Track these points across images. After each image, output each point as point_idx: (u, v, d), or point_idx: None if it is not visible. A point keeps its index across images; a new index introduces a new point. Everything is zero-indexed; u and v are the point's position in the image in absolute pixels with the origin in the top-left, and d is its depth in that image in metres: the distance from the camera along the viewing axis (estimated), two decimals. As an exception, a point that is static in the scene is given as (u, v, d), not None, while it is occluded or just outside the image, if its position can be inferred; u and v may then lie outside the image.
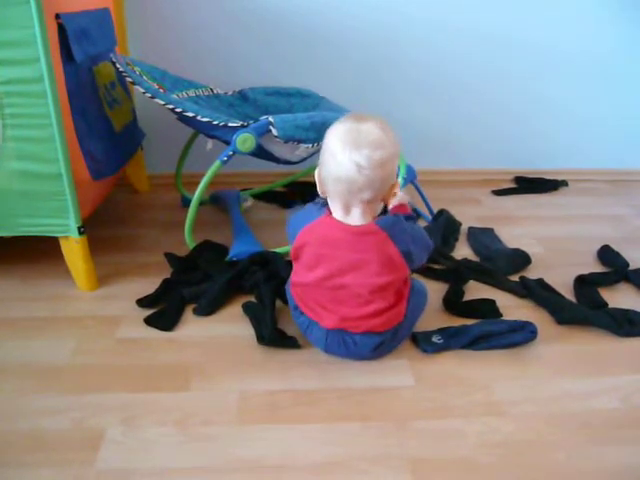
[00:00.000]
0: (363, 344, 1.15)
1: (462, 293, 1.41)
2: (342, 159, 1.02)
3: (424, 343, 1.22)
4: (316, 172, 1.10)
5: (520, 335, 1.23)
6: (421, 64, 2.03)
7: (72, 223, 1.31)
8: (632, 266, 1.55)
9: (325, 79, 1.96)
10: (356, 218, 1.09)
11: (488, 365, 1.18)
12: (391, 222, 1.10)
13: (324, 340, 1.17)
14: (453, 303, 1.36)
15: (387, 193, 1.09)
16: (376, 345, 1.15)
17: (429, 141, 2.11)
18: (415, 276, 1.38)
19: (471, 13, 1.97)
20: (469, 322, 1.28)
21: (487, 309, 1.35)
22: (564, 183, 2.19)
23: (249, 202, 1.87)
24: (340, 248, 1.09)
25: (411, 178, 1.66)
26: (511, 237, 1.70)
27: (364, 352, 1.16)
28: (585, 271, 1.50)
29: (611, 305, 1.37)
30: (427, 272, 1.49)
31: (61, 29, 1.29)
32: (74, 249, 1.34)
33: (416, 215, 1.76)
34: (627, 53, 2.09)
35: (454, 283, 1.43)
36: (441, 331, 1.25)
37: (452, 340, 1.22)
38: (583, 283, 1.45)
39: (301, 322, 1.21)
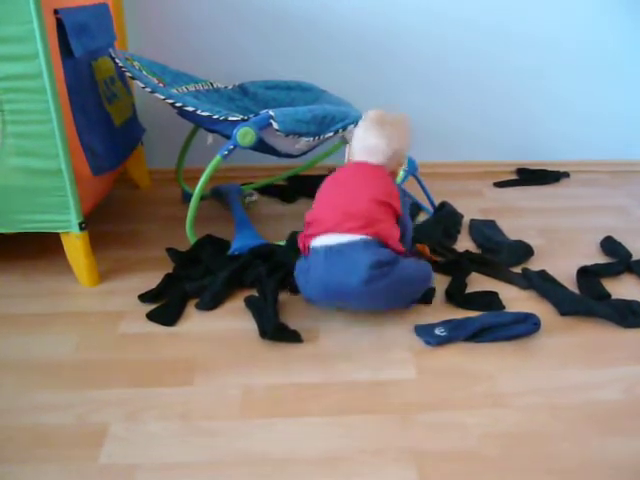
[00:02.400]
0: (360, 259, 1.16)
1: (465, 285, 1.40)
2: None
3: (427, 335, 1.22)
4: None
5: (523, 327, 1.23)
6: (423, 56, 2.02)
7: (73, 219, 1.31)
8: (635, 257, 1.55)
9: (326, 72, 1.95)
10: None
11: (491, 357, 1.18)
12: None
13: (323, 259, 1.19)
14: (456, 295, 1.36)
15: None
16: (373, 263, 1.16)
17: (430, 134, 2.10)
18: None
19: (473, 4, 1.95)
20: (472, 314, 1.28)
21: (490, 301, 1.35)
22: (566, 174, 2.18)
23: (254, 197, 1.87)
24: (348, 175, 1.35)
25: (412, 171, 1.65)
26: (513, 229, 1.70)
27: (361, 270, 1.15)
28: (588, 262, 1.50)
29: (614, 296, 1.37)
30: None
31: (60, 24, 1.28)
32: (75, 245, 1.34)
33: (417, 209, 1.77)
34: (629, 45, 2.07)
35: (457, 275, 1.43)
36: (444, 323, 1.25)
37: (455, 332, 1.22)
38: (586, 274, 1.45)
39: (301, 266, 1.27)
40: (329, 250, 1.20)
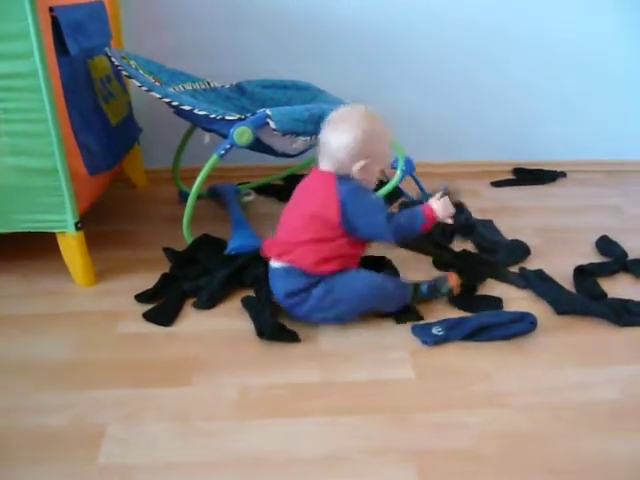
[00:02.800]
0: (278, 289, 1.25)
1: (475, 290, 1.40)
2: None
3: (424, 335, 1.22)
4: None
5: (520, 326, 1.23)
6: (421, 56, 2.03)
7: (69, 218, 1.30)
8: (630, 256, 1.55)
9: (325, 71, 1.94)
10: None
11: (488, 356, 1.18)
12: (354, 185, 1.24)
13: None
14: (462, 299, 1.34)
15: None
16: (287, 293, 1.23)
17: (428, 133, 2.10)
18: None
19: (472, 4, 1.97)
20: (468, 314, 1.28)
21: (492, 305, 1.34)
22: (562, 174, 2.19)
23: (251, 196, 1.86)
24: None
25: (410, 171, 1.65)
26: (510, 228, 1.70)
27: (281, 299, 1.26)
28: (584, 261, 1.50)
29: (610, 295, 1.37)
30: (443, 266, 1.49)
31: (55, 22, 1.28)
32: (71, 245, 1.34)
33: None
34: (624, 46, 2.08)
35: (469, 279, 1.40)
36: (441, 323, 1.25)
37: (452, 332, 1.22)
38: (582, 273, 1.45)
39: None
40: (271, 272, 1.28)
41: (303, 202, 1.28)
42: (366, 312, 1.27)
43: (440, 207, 1.25)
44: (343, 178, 1.24)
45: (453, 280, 1.31)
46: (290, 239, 1.25)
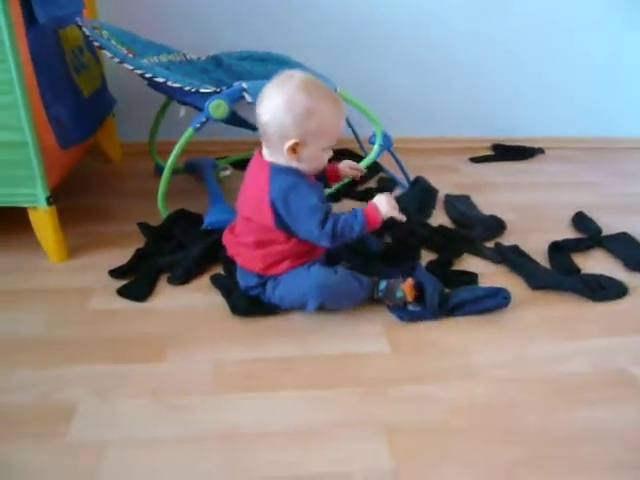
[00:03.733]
0: (242, 279, 1.23)
1: (451, 265, 1.40)
2: None
3: (399, 311, 1.22)
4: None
5: (493, 301, 1.24)
6: (400, 30, 2.01)
7: (40, 193, 1.28)
8: (605, 232, 1.57)
9: (306, 44, 1.91)
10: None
11: (463, 331, 1.19)
12: (286, 183, 1.11)
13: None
14: (439, 274, 1.31)
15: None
16: (246, 288, 1.22)
17: (407, 109, 2.10)
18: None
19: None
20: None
21: (468, 281, 1.34)
22: (540, 151, 2.20)
23: (228, 171, 1.84)
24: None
25: (387, 146, 1.64)
26: (487, 204, 1.70)
27: (241, 283, 1.24)
28: (559, 237, 1.51)
29: (584, 271, 1.39)
30: (418, 241, 1.47)
31: (23, -10, 1.24)
32: (43, 219, 1.31)
33: (393, 183, 1.75)
34: (602, 22, 2.08)
35: (444, 254, 1.42)
36: (417, 298, 1.24)
37: (426, 308, 1.22)
38: (557, 249, 1.46)
39: None
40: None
41: (242, 199, 1.20)
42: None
43: (384, 202, 1.16)
44: (278, 170, 1.12)
45: (408, 288, 1.20)
46: (237, 239, 1.22)
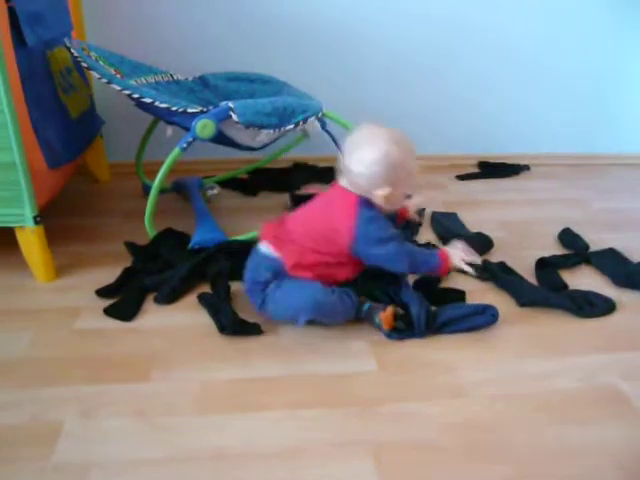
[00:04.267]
0: (255, 271, 1.22)
1: (438, 281, 1.40)
2: None
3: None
4: None
5: (482, 318, 1.24)
6: (388, 52, 2.03)
7: (27, 212, 1.27)
8: (592, 248, 1.58)
9: (289, 66, 1.93)
10: None
11: (450, 348, 1.19)
12: (371, 214, 1.19)
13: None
14: (427, 292, 1.32)
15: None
16: (256, 281, 1.21)
17: (392, 126, 2.11)
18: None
19: (439, 4, 1.99)
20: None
21: (456, 299, 1.34)
22: (526, 167, 2.21)
23: (215, 190, 1.84)
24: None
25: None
26: (474, 221, 1.71)
27: (250, 272, 1.23)
28: (546, 254, 1.52)
29: (571, 287, 1.39)
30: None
31: (12, 12, 1.25)
32: (30, 239, 1.31)
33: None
34: (584, 42, 2.12)
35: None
36: (404, 317, 1.24)
37: (414, 326, 1.21)
38: (544, 265, 1.47)
39: None
40: (254, 252, 1.26)
41: (318, 214, 1.24)
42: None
43: (458, 254, 1.25)
44: (365, 203, 1.20)
45: (385, 317, 1.20)
46: (289, 235, 1.22)
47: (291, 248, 1.20)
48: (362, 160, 1.16)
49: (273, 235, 1.23)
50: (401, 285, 1.31)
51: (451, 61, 2.08)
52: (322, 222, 1.22)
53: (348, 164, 1.19)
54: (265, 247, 1.23)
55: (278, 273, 1.19)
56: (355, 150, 1.18)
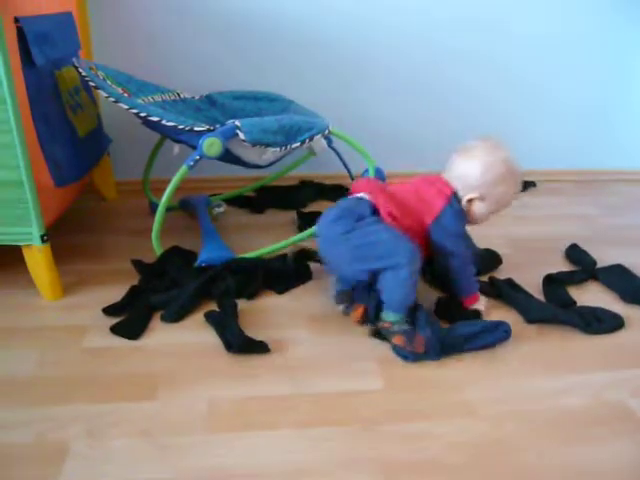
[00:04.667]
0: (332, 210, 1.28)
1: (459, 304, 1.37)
2: None
3: (405, 351, 1.19)
4: None
5: (493, 335, 1.22)
6: (390, 71, 2.05)
7: (35, 231, 1.28)
8: (599, 264, 1.57)
9: (294, 83, 1.96)
10: None
11: (458, 366, 1.18)
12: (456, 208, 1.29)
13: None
14: (448, 313, 1.33)
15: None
16: (335, 217, 1.25)
17: (397, 144, 2.12)
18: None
19: (436, 25, 2.02)
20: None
21: (471, 317, 1.33)
22: (532, 184, 2.21)
23: (222, 208, 1.85)
24: None
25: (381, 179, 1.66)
26: (481, 237, 1.69)
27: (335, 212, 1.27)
28: (553, 270, 1.52)
29: (579, 303, 1.39)
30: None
31: (20, 33, 1.26)
32: (37, 258, 1.31)
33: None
34: (591, 57, 2.12)
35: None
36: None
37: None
38: (552, 282, 1.46)
39: None
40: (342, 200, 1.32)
41: (414, 187, 1.31)
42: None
43: (483, 304, 1.35)
44: (457, 199, 1.28)
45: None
46: (384, 195, 1.27)
47: (385, 201, 1.26)
48: (463, 164, 1.28)
49: (369, 189, 1.30)
50: (417, 311, 1.27)
51: (454, 80, 2.10)
52: (415, 194, 1.29)
53: (452, 165, 1.30)
54: (362, 194, 1.29)
55: (375, 213, 1.25)
56: (463, 153, 1.30)
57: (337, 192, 1.96)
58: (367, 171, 1.63)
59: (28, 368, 1.14)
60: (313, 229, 1.51)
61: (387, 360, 1.19)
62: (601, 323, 1.31)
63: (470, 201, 1.29)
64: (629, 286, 1.46)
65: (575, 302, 1.39)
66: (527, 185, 2.19)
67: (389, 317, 1.23)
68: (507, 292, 1.40)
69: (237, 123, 1.37)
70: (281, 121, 1.42)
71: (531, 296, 1.41)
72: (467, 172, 1.27)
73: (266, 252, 1.55)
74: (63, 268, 1.39)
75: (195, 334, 1.26)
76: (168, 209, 1.45)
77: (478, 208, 1.30)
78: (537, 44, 2.08)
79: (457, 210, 1.28)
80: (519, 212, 1.96)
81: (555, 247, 1.69)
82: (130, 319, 1.28)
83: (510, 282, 1.46)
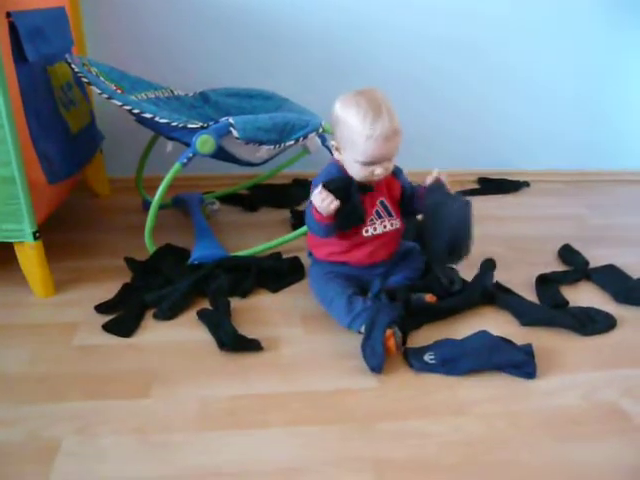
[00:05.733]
0: None
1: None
2: None
3: (414, 359, 1.16)
4: None
5: (514, 371, 1.15)
6: (387, 70, 2.05)
7: (27, 228, 1.27)
8: (592, 264, 1.58)
9: (289, 81, 1.95)
10: None
11: (451, 365, 1.18)
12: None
13: None
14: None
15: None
16: None
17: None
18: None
19: (437, 23, 2.01)
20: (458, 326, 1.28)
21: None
22: (526, 184, 2.22)
23: (216, 205, 1.84)
24: None
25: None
26: (478, 237, 1.70)
27: None
28: (546, 270, 1.52)
29: (572, 303, 1.39)
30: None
31: (12, 28, 1.25)
32: (29, 255, 1.30)
33: None
34: (588, 57, 2.13)
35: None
36: (434, 348, 1.18)
37: (445, 367, 1.15)
38: (544, 282, 1.47)
39: None
40: None
41: None
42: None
43: (317, 199, 1.20)
44: (331, 162, 1.31)
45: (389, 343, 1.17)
46: None
47: None
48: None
49: None
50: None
51: (450, 78, 2.10)
52: None
53: None
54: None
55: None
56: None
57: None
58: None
59: (20, 365, 1.14)
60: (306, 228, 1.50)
61: (380, 359, 1.19)
62: (595, 323, 1.31)
63: (336, 149, 1.27)
64: (621, 286, 1.47)
65: (568, 302, 1.39)
66: (520, 185, 2.20)
67: None
68: (499, 296, 1.39)
69: (231, 120, 1.37)
70: (275, 119, 1.42)
71: (524, 299, 1.39)
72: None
73: (259, 251, 1.55)
74: (55, 265, 1.39)
75: (188, 332, 1.25)
76: (161, 207, 1.44)
77: (344, 158, 1.25)
78: (533, 44, 2.09)
79: (331, 163, 1.30)
80: (512, 212, 1.97)
81: (548, 247, 1.69)
82: (122, 317, 1.28)
83: (498, 285, 1.44)
